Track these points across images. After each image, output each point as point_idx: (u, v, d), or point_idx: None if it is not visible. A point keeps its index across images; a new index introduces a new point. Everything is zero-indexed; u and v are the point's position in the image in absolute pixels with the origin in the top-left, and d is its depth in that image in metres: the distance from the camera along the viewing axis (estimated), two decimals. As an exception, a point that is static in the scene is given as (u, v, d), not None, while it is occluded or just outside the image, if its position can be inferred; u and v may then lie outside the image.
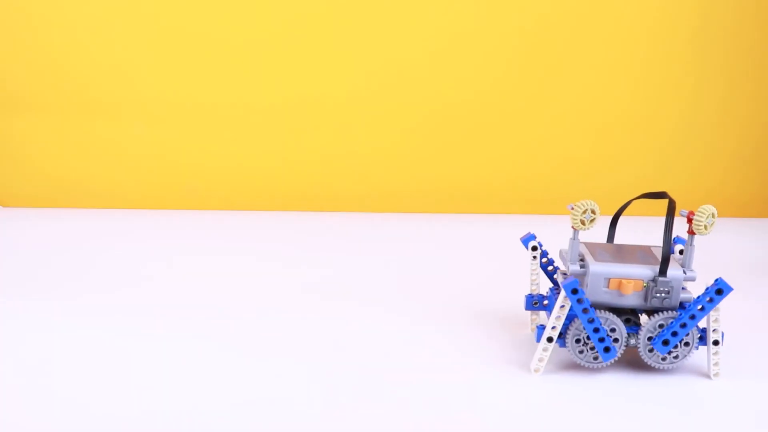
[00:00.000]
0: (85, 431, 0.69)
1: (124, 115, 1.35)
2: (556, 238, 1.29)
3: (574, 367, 0.84)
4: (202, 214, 1.37)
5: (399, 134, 1.39)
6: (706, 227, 0.79)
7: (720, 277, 0.80)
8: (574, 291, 0.78)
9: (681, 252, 0.85)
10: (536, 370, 0.81)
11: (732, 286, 0.79)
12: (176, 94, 1.34)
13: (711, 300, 0.79)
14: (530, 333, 0.92)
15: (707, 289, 0.80)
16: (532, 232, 0.88)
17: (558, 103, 1.39)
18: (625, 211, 0.85)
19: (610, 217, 0.86)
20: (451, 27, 1.34)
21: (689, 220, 0.80)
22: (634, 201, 0.83)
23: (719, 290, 0.79)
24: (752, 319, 0.99)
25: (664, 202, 0.80)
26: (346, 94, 1.36)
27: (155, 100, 1.35)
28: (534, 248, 0.87)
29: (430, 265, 1.14)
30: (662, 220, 0.80)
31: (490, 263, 1.16)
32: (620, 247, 0.86)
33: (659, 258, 0.83)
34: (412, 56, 1.35)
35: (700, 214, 0.79)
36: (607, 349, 0.81)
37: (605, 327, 0.80)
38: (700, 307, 0.80)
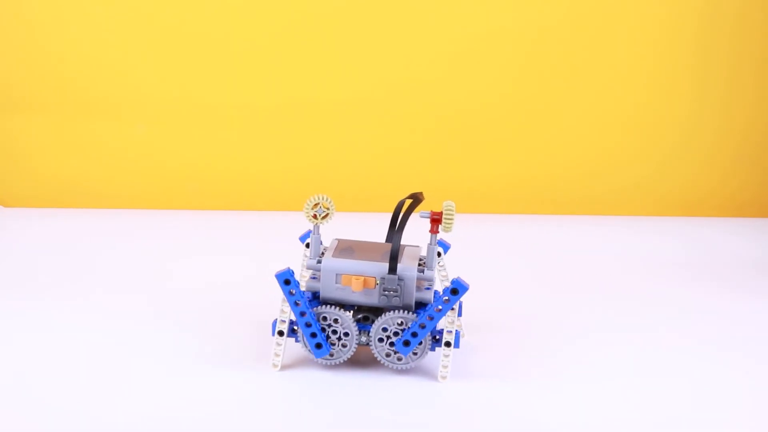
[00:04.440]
0: (85, 430, 0.69)
1: (123, 115, 1.35)
2: (556, 238, 1.30)
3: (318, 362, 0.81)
4: (202, 214, 1.37)
5: (399, 135, 1.39)
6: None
7: (457, 277, 0.78)
8: (287, 282, 0.77)
9: (439, 254, 0.81)
10: (274, 366, 0.80)
11: (467, 285, 0.77)
12: (176, 94, 1.34)
13: (447, 300, 0.77)
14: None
15: (444, 289, 0.78)
16: (310, 230, 0.83)
17: (560, 106, 1.39)
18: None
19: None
20: (452, 30, 1.34)
21: (435, 221, 0.77)
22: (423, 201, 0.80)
23: (455, 290, 0.77)
24: (752, 319, 0.99)
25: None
26: (346, 95, 1.36)
27: (155, 100, 1.35)
28: (308, 245, 0.84)
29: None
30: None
31: (483, 261, 1.16)
32: (381, 245, 0.83)
33: (414, 257, 0.80)
34: (415, 60, 1.35)
35: (449, 212, 0.77)
36: (318, 345, 0.79)
37: (332, 322, 0.78)
38: (439, 308, 0.77)
